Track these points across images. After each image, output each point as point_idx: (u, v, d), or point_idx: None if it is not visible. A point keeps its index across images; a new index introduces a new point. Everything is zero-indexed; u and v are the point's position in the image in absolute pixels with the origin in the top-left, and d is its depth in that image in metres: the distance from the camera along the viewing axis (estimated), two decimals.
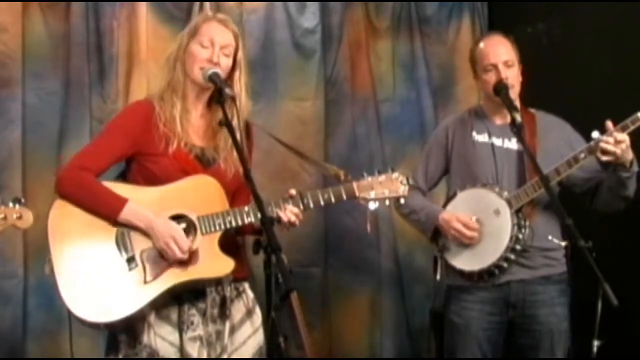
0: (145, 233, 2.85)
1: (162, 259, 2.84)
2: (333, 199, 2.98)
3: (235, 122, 2.86)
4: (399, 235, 4.77)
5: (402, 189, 3.03)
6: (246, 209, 2.88)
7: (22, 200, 3.14)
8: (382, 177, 3.02)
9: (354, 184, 3.01)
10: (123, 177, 3.03)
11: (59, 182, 2.91)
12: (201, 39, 2.97)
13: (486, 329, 3.56)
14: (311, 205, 2.96)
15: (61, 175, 2.93)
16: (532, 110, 3.68)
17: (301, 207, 2.94)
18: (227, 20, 3.09)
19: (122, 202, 2.86)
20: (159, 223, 2.84)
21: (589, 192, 3.57)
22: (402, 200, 3.10)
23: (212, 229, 2.87)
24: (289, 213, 2.91)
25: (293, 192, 2.95)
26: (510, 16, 4.71)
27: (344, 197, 3.00)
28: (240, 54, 3.02)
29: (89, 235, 2.85)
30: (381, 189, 3.01)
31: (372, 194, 3.00)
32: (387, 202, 3.05)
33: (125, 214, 2.85)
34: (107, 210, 2.86)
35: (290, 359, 3.63)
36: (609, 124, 3.35)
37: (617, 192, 3.46)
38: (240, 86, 3.01)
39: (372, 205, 3.02)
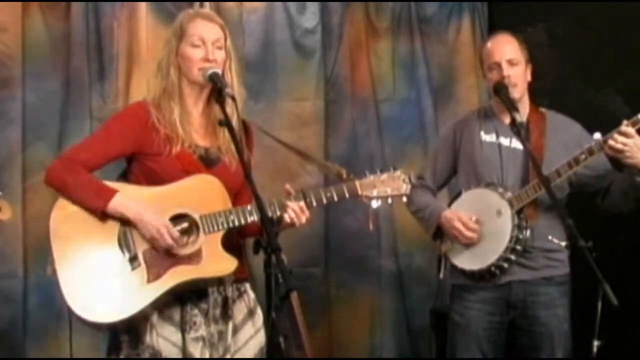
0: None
1: (165, 259, 2.81)
2: (336, 197, 2.96)
3: (235, 118, 2.85)
4: (399, 235, 4.78)
5: (405, 188, 3.00)
6: (249, 207, 2.85)
7: (0, 193, 3.10)
8: (385, 176, 3.00)
9: (357, 183, 2.98)
10: (124, 177, 3.00)
11: (48, 172, 2.88)
12: (191, 39, 2.93)
13: (486, 329, 3.56)
14: (314, 203, 2.94)
15: (51, 165, 2.91)
16: (543, 110, 3.66)
17: (303, 204, 2.91)
18: (211, 14, 3.07)
19: (111, 192, 2.82)
20: (148, 213, 2.80)
21: (600, 192, 3.55)
22: (404, 199, 3.08)
23: (215, 228, 2.84)
24: (293, 210, 2.88)
25: (291, 189, 2.92)
26: (510, 16, 4.72)
27: (347, 195, 2.97)
28: (228, 43, 2.99)
29: (91, 236, 2.82)
30: (383, 188, 2.99)
31: (375, 193, 2.98)
32: (390, 201, 3.03)
33: (114, 204, 2.80)
34: (95, 201, 2.80)
35: (290, 359, 3.63)
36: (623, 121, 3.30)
37: (631, 194, 3.44)
38: (232, 74, 2.98)
39: (375, 204, 3.00)
